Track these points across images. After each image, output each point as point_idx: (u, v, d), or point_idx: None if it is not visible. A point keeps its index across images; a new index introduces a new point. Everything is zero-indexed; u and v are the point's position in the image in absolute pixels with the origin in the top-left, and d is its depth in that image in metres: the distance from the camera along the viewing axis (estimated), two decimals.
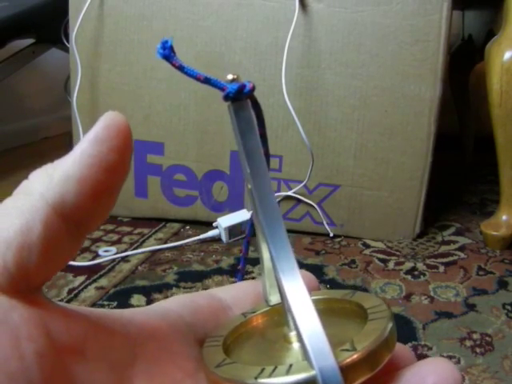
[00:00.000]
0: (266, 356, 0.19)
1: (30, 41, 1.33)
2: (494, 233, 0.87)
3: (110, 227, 0.97)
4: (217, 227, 0.91)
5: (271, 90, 0.90)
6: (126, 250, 0.86)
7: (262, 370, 0.17)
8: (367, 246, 0.90)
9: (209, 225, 0.94)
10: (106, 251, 0.85)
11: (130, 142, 0.16)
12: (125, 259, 0.83)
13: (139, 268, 0.80)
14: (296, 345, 0.19)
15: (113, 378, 0.17)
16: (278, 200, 0.94)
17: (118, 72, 0.95)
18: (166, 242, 0.90)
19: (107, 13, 0.93)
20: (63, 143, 1.33)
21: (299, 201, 0.93)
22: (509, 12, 0.80)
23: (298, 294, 0.17)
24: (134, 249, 0.87)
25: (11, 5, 1.18)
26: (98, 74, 0.96)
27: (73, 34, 0.94)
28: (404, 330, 0.64)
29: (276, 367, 0.17)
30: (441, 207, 1.08)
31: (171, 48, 0.17)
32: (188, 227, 0.97)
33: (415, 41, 0.84)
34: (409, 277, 0.78)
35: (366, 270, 0.81)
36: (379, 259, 0.85)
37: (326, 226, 0.92)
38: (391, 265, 0.83)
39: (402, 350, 0.19)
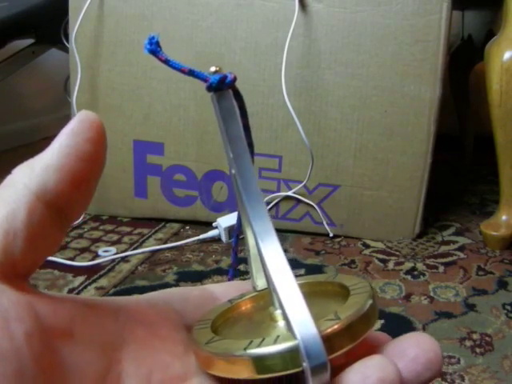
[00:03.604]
0: (254, 333, 0.19)
1: (30, 41, 1.32)
2: (494, 233, 0.87)
3: (109, 227, 0.97)
4: (216, 227, 0.91)
5: (271, 90, 0.90)
6: (125, 250, 0.86)
7: (250, 342, 0.17)
8: (367, 246, 0.90)
9: (209, 225, 0.94)
10: (105, 251, 0.85)
11: (102, 135, 0.18)
12: (125, 259, 0.83)
13: (139, 268, 0.80)
14: (282, 323, 0.19)
15: (101, 360, 0.17)
16: (277, 200, 0.94)
17: (117, 72, 0.95)
18: (165, 242, 0.90)
19: (107, 13, 0.93)
20: None
21: (299, 201, 0.93)
22: (509, 12, 0.80)
23: (282, 272, 0.18)
24: (134, 249, 0.87)
25: (11, 5, 1.18)
26: (98, 73, 0.96)
27: (73, 34, 0.94)
28: (404, 330, 0.64)
29: (264, 339, 0.17)
30: (441, 207, 1.08)
31: (157, 43, 0.19)
32: (188, 227, 0.97)
33: (415, 41, 0.84)
34: (408, 277, 0.78)
35: (365, 270, 0.81)
36: (379, 259, 0.85)
37: (326, 226, 0.92)
38: (391, 265, 0.83)
39: (383, 336, 0.20)
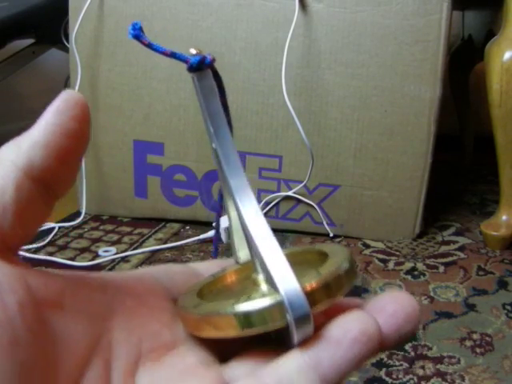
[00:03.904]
0: (238, 296, 0.20)
1: (30, 41, 1.32)
2: (494, 233, 0.87)
3: (109, 227, 0.97)
4: None
5: (271, 90, 0.90)
6: (125, 250, 0.86)
7: (237, 301, 0.18)
8: (367, 246, 0.90)
9: (209, 225, 0.94)
10: (105, 251, 0.85)
11: (87, 112, 0.18)
12: (125, 259, 0.83)
13: (139, 268, 0.80)
14: (265, 286, 0.20)
15: (92, 330, 0.18)
16: (277, 200, 0.94)
17: (117, 72, 0.95)
18: (165, 242, 0.90)
19: (107, 13, 0.93)
20: None
21: (299, 201, 0.93)
22: (509, 12, 0.80)
23: (263, 235, 0.19)
24: (134, 249, 0.87)
25: (11, 5, 1.18)
26: (98, 74, 0.96)
27: (73, 34, 0.94)
28: None
29: (250, 296, 0.18)
30: (441, 207, 1.08)
31: (140, 29, 0.20)
32: (188, 227, 0.97)
33: (415, 41, 0.84)
34: (409, 277, 0.78)
35: (365, 270, 0.81)
36: (379, 259, 0.85)
37: (326, 226, 0.92)
38: (391, 265, 0.83)
39: (360, 300, 0.21)
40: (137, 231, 0.95)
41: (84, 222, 0.98)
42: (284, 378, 0.17)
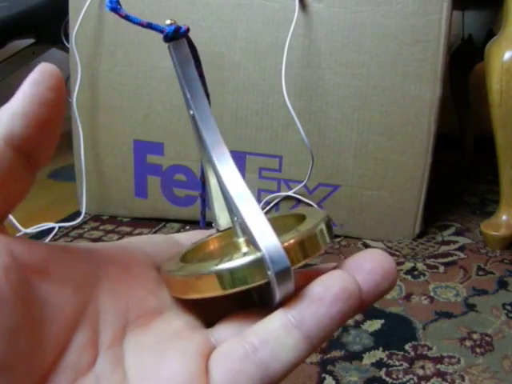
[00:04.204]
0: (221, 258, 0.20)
1: (30, 41, 1.32)
2: (494, 233, 0.87)
3: (109, 227, 0.97)
4: None
5: (271, 90, 0.90)
6: None
7: (220, 260, 0.18)
8: (367, 246, 0.90)
9: (209, 225, 0.93)
10: None
11: (62, 83, 0.18)
12: None
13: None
14: (246, 249, 0.20)
15: (78, 297, 0.18)
16: (277, 200, 0.94)
17: (117, 72, 0.95)
18: None
19: (107, 13, 0.93)
20: (63, 143, 1.33)
21: (299, 201, 0.93)
22: (509, 12, 0.80)
23: (243, 196, 0.19)
24: None
25: (11, 5, 1.18)
26: (98, 74, 0.96)
27: (73, 34, 0.94)
28: (404, 330, 0.64)
29: (232, 256, 0.18)
30: (441, 207, 1.08)
31: (118, 1, 0.20)
32: (188, 227, 0.97)
33: (415, 41, 0.84)
34: (409, 277, 0.78)
35: None
36: None
37: None
38: None
39: (336, 265, 0.21)
40: (137, 231, 0.95)
41: (84, 222, 0.98)
42: (269, 336, 0.18)
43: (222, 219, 0.25)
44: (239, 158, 0.93)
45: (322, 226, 0.20)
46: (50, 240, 0.89)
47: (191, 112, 0.21)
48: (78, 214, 0.98)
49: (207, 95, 0.22)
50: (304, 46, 0.87)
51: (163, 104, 0.95)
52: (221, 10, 0.89)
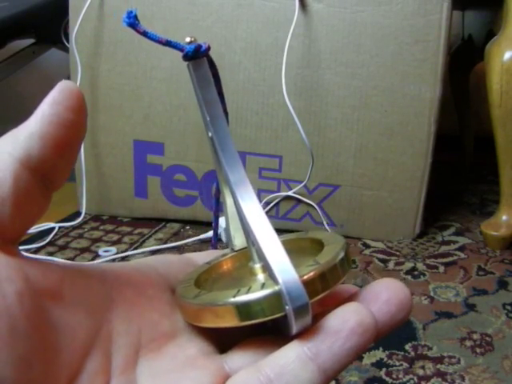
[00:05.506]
0: (236, 286, 0.20)
1: (30, 41, 1.32)
2: (494, 233, 0.87)
3: (109, 227, 0.97)
4: None
5: (271, 90, 0.90)
6: (126, 250, 0.86)
7: (238, 291, 0.18)
8: (367, 246, 0.90)
9: (209, 225, 0.94)
10: (106, 251, 0.86)
11: (82, 103, 0.18)
12: (125, 259, 0.83)
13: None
14: (261, 276, 0.20)
15: (92, 320, 0.18)
16: (278, 200, 0.94)
17: (118, 72, 0.95)
18: (166, 242, 0.90)
19: (107, 13, 0.93)
20: None
21: (299, 201, 0.93)
22: (509, 12, 0.80)
23: (260, 224, 0.19)
24: (134, 249, 0.87)
25: (11, 5, 1.18)
26: (98, 74, 0.96)
27: (73, 34, 0.94)
28: (404, 330, 0.64)
29: (250, 287, 0.18)
30: (441, 207, 1.08)
31: (135, 17, 0.19)
32: (188, 227, 0.97)
33: (415, 41, 0.84)
34: (409, 277, 0.78)
35: (365, 270, 0.81)
36: (379, 259, 0.85)
37: (326, 226, 0.92)
38: (391, 265, 0.83)
39: (353, 287, 0.21)
40: (137, 231, 0.95)
41: (84, 222, 0.98)
42: (284, 369, 0.17)
43: (237, 239, 0.24)
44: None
45: (342, 255, 0.19)
46: (50, 240, 0.89)
47: (210, 134, 0.20)
48: (78, 214, 0.98)
49: (226, 114, 0.21)
50: (304, 45, 0.87)
51: (163, 104, 0.95)
52: (221, 10, 0.89)
